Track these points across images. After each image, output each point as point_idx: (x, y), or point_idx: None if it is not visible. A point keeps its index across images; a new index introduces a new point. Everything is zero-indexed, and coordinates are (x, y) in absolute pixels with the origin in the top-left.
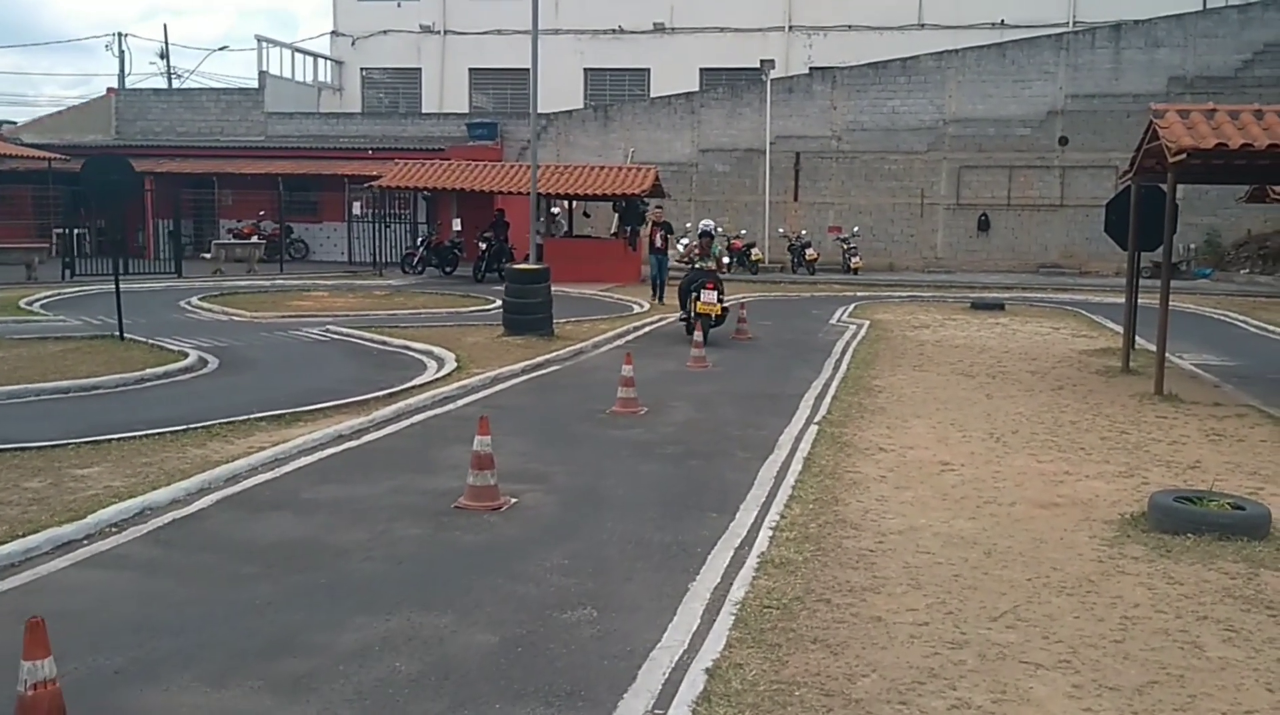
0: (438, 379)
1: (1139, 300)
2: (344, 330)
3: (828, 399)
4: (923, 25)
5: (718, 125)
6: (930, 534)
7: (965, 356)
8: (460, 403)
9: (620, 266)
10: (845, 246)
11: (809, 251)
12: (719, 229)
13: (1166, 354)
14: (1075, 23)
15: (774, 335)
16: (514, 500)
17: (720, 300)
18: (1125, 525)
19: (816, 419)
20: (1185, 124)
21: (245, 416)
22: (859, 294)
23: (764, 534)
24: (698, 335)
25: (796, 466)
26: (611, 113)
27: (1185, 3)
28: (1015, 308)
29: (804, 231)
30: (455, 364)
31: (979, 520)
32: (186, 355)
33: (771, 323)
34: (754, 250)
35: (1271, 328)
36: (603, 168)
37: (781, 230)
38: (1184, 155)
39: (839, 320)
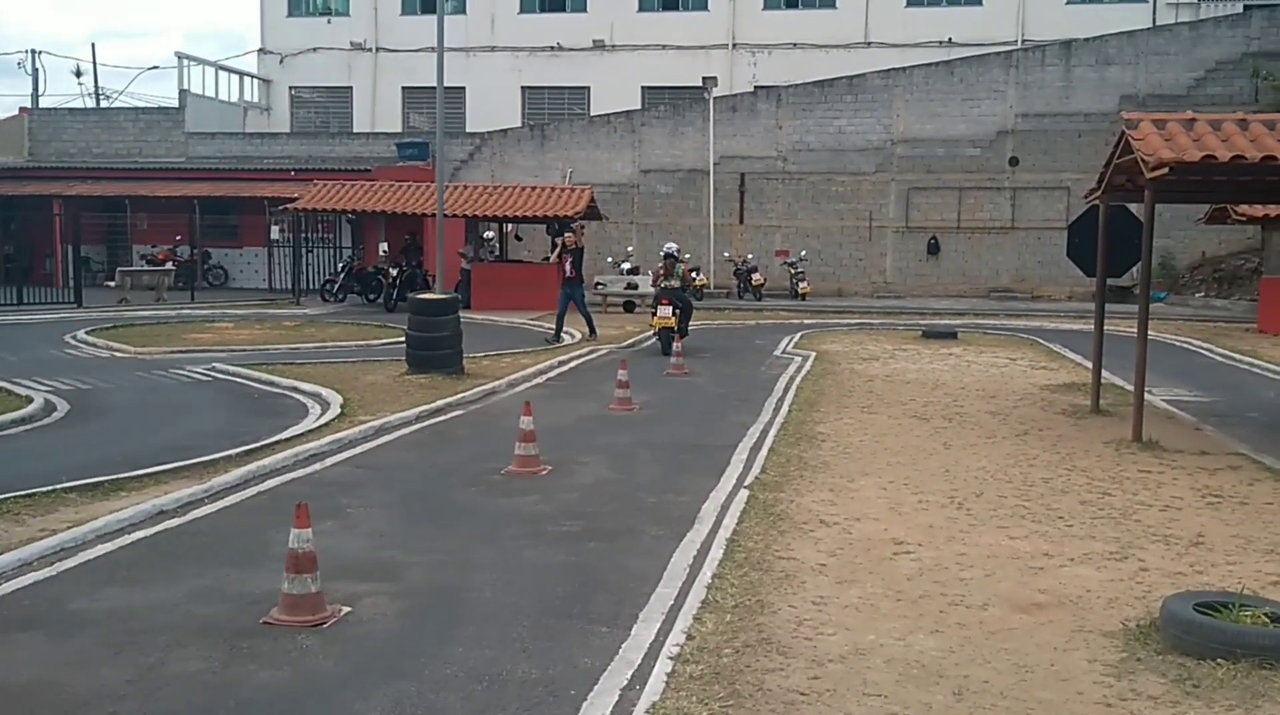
0: (311, 431)
1: (1077, 326)
2: (232, 368)
3: (764, 451)
4: (869, 44)
5: (659, 145)
6: (882, 660)
7: (918, 394)
8: (329, 462)
9: (554, 293)
10: (793, 271)
11: (755, 276)
12: (685, 254)
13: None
14: (1024, 41)
15: (712, 370)
16: (346, 610)
17: (675, 314)
18: (1132, 641)
19: (749, 480)
20: (1162, 135)
21: (54, 486)
22: (806, 322)
23: (662, 666)
24: (621, 373)
25: (718, 551)
26: (548, 132)
27: (1136, 20)
28: (969, 336)
29: (750, 255)
30: (339, 411)
31: (944, 634)
32: (30, 401)
33: (711, 355)
34: (698, 275)
35: (1238, 356)
36: (535, 188)
37: (727, 254)
38: (1165, 169)
39: (784, 352)
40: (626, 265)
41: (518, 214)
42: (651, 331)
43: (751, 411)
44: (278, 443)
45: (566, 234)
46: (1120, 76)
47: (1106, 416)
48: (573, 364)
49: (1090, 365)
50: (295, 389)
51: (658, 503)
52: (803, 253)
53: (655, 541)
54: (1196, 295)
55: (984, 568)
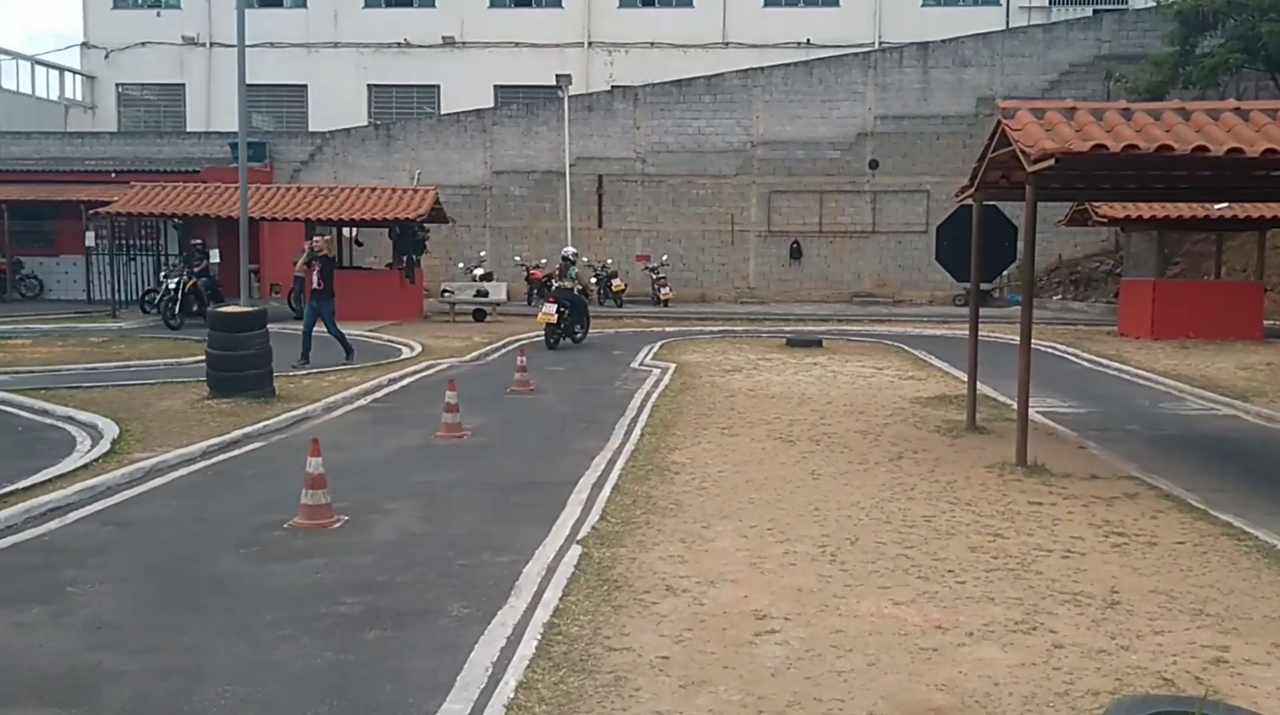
0: (63, 475)
1: (940, 331)
2: (2, 395)
3: (607, 489)
4: (727, 44)
5: (513, 145)
6: None
7: (783, 411)
8: (71, 518)
9: (398, 302)
10: (655, 276)
11: (616, 282)
12: (581, 257)
13: (1010, 401)
14: (881, 42)
15: (563, 386)
16: None
17: (561, 312)
18: None
19: (583, 532)
20: (1041, 125)
21: None
22: (668, 330)
23: None
24: (450, 395)
25: (530, 643)
26: (394, 131)
27: (990, 23)
28: (834, 343)
29: (610, 260)
30: (109, 447)
31: None
32: None
33: (563, 368)
34: (617, 281)
35: (1104, 361)
36: (376, 189)
37: (585, 259)
38: (1050, 161)
39: (642, 363)
40: (479, 271)
41: (357, 217)
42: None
43: (599, 436)
44: (11, 494)
45: (315, 238)
46: (977, 78)
47: (984, 434)
48: (405, 382)
49: (961, 374)
50: (71, 419)
51: (470, 566)
52: (664, 257)
53: (456, 627)
54: (1055, 298)
55: (866, 652)
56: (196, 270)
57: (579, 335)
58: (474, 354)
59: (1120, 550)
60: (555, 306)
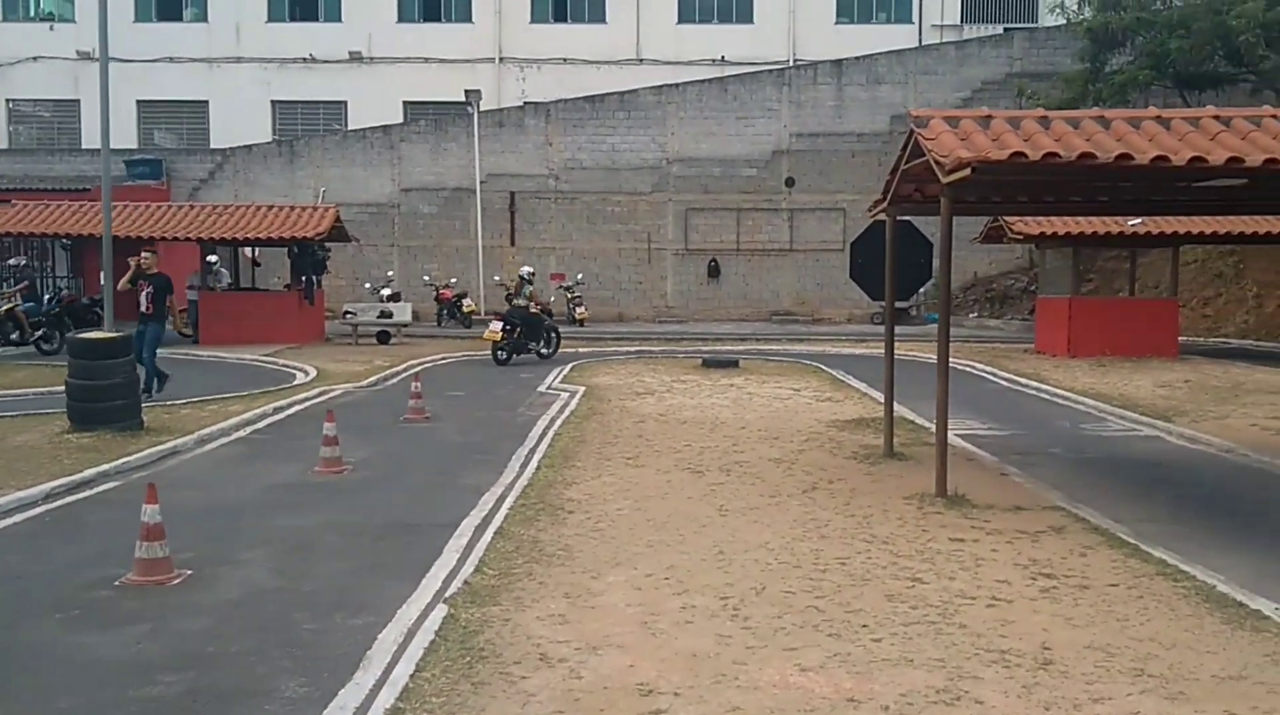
0: None
1: (858, 350)
2: None
3: (489, 533)
4: (641, 60)
5: (421, 162)
6: None
7: (694, 437)
8: None
9: (296, 324)
10: (570, 295)
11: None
12: (534, 275)
13: (929, 424)
14: (795, 60)
15: (462, 413)
16: None
17: (506, 330)
18: None
19: (452, 589)
20: (956, 134)
21: None
22: (581, 351)
23: None
24: (328, 427)
25: None
26: (299, 148)
27: (903, 40)
28: (751, 364)
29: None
30: None
31: None
32: None
33: (465, 392)
34: (466, 301)
35: (1023, 380)
36: (274, 207)
37: (498, 278)
38: (966, 171)
39: (550, 387)
40: (386, 291)
41: (253, 236)
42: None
43: (493, 469)
44: None
45: (143, 253)
46: (891, 96)
47: (902, 461)
48: (293, 410)
49: (879, 395)
50: None
51: (318, 632)
52: (579, 276)
53: (285, 714)
54: (970, 316)
55: None
56: (18, 290)
57: (545, 351)
58: (372, 379)
59: (1050, 596)
60: (501, 324)
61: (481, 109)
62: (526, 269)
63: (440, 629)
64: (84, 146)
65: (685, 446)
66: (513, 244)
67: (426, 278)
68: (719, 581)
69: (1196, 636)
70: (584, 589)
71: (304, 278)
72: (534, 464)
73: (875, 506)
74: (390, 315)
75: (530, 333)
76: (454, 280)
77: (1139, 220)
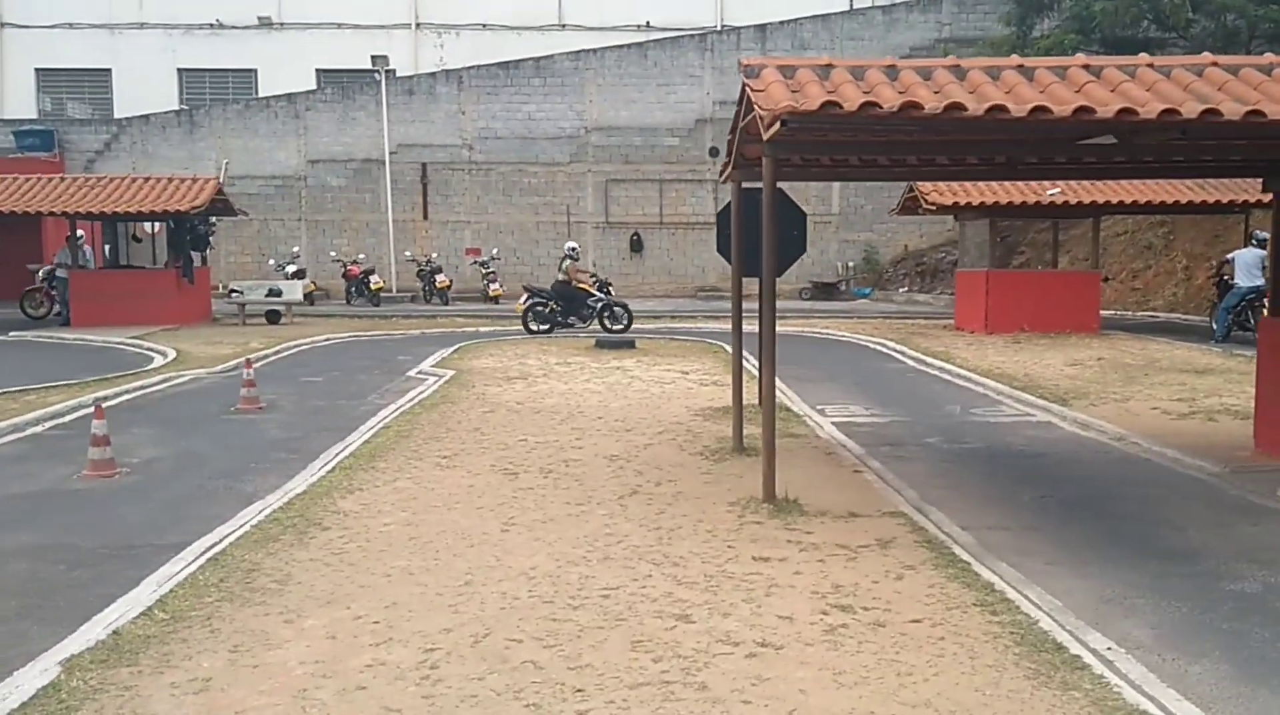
0: None
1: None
2: None
3: (203, 558)
4: (564, 26)
5: (329, 132)
6: None
7: (538, 430)
8: None
9: (175, 304)
10: (484, 271)
11: (440, 277)
12: (575, 250)
13: (806, 409)
14: (723, 25)
15: (305, 401)
16: None
17: (537, 302)
18: None
19: (98, 637)
20: (789, 84)
21: None
22: (482, 329)
23: None
24: (97, 425)
25: None
26: (199, 118)
27: (837, 4)
28: (652, 344)
29: (435, 254)
30: None
31: None
32: None
33: (324, 378)
34: (373, 278)
35: (929, 360)
36: (148, 180)
37: (409, 254)
38: (779, 125)
39: (421, 371)
40: (292, 267)
41: (126, 210)
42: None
43: (287, 471)
44: None
45: None
46: None
47: (752, 457)
48: (118, 401)
49: (779, 376)
50: None
51: None
52: (494, 251)
53: None
54: (900, 290)
55: None
56: None
57: (604, 324)
58: (234, 363)
59: (832, 638)
60: (526, 295)
61: (392, 76)
62: (569, 245)
63: (24, 705)
64: None
65: (520, 441)
66: (425, 217)
67: (334, 254)
68: (436, 626)
69: (987, 699)
70: (262, 639)
71: (181, 254)
72: (333, 464)
73: (690, 516)
74: (280, 293)
75: (569, 307)
76: (362, 256)
77: (1057, 189)
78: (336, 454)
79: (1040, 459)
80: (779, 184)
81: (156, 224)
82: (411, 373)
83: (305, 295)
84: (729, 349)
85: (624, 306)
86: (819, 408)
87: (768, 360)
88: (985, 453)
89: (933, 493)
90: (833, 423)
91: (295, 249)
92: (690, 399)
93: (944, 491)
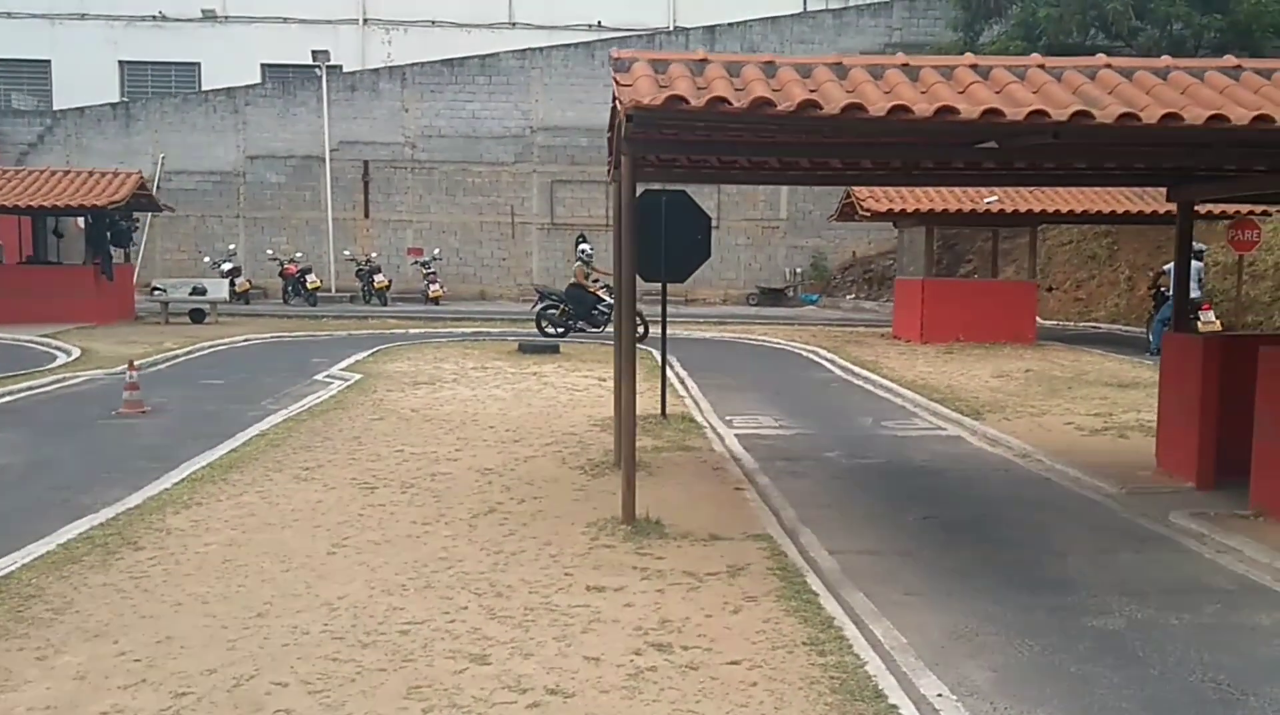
0: None
1: (717, 333)
2: None
3: None
4: (514, 24)
5: (268, 128)
6: None
7: (421, 440)
8: None
9: (94, 302)
10: (425, 271)
11: (379, 278)
12: (588, 252)
13: (714, 420)
14: (675, 27)
15: (195, 404)
16: None
17: (549, 305)
18: None
19: None
20: (659, 79)
21: None
22: (412, 331)
23: None
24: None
25: None
26: (135, 110)
27: (789, 7)
28: (579, 348)
29: (375, 254)
30: None
31: None
32: None
33: (225, 382)
34: (310, 277)
35: (857, 369)
36: (67, 173)
37: (348, 253)
38: (628, 121)
39: (329, 374)
40: (228, 265)
41: (40, 204)
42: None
43: (133, 483)
44: None
45: None
46: None
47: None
48: (1, 402)
49: (696, 386)
50: None
51: None
52: (436, 251)
53: None
54: (848, 297)
55: None
56: None
57: (583, 326)
58: (140, 363)
59: (632, 684)
60: (538, 297)
61: (336, 72)
62: (583, 246)
63: None
64: None
65: (396, 452)
66: (366, 216)
67: (269, 252)
68: (201, 666)
69: None
70: (2, 678)
71: (100, 251)
72: (186, 476)
73: (540, 538)
74: (204, 292)
75: (578, 311)
76: (300, 254)
77: (994, 198)
78: (199, 464)
79: (938, 476)
80: (684, 187)
81: (82, 219)
82: (319, 376)
83: (240, 294)
84: (656, 355)
85: (639, 314)
86: (728, 419)
87: (627, 375)
88: (884, 469)
89: (813, 512)
90: (736, 435)
91: (231, 247)
92: (596, 408)
93: (825, 511)
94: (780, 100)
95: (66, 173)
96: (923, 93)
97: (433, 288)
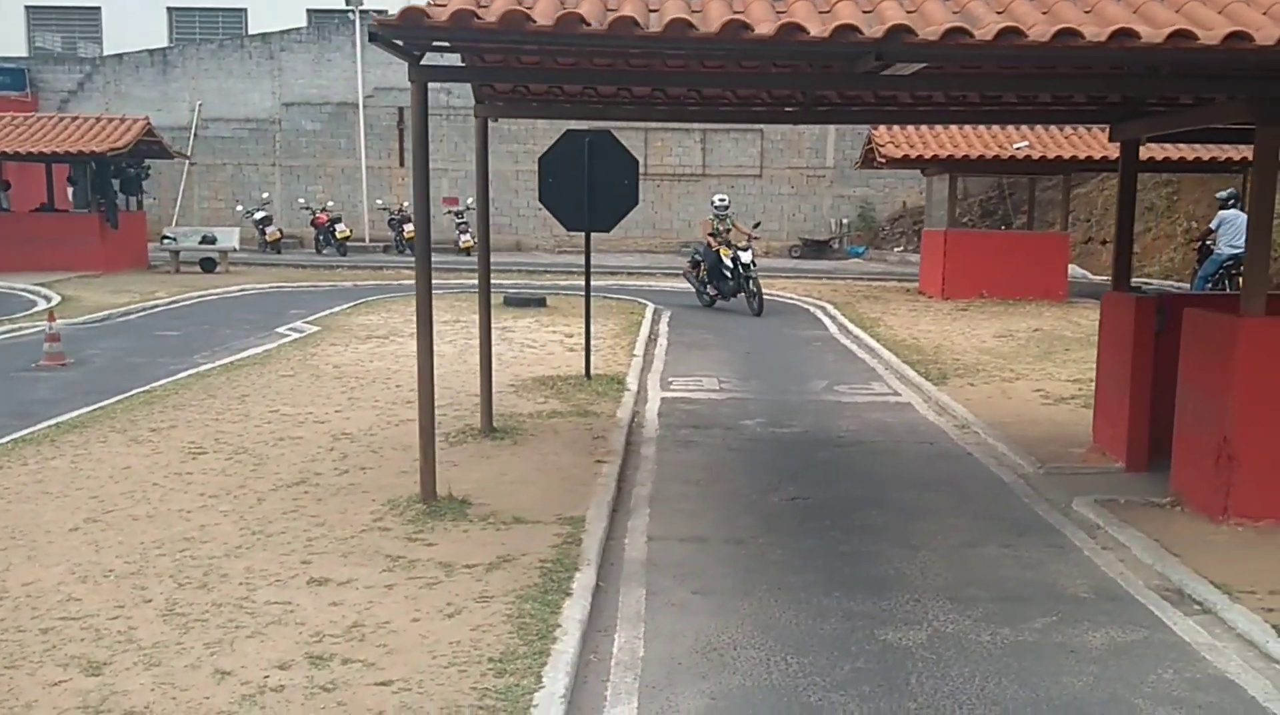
0: None
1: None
2: None
3: None
4: None
5: (304, 74)
6: None
7: (309, 400)
8: None
9: (100, 249)
10: (458, 220)
11: (408, 227)
12: (720, 202)
13: (653, 382)
14: None
15: (125, 358)
16: None
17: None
18: None
19: None
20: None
21: None
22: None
23: None
24: None
25: None
26: (172, 57)
27: None
28: (568, 301)
29: (407, 203)
30: None
31: None
32: None
33: (180, 333)
34: (340, 226)
35: (853, 328)
36: (75, 119)
37: (380, 202)
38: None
39: (294, 326)
40: (260, 214)
41: (43, 150)
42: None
43: None
44: None
45: None
46: None
47: (499, 441)
48: None
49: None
50: None
51: None
52: (469, 200)
53: None
54: (896, 249)
55: None
56: None
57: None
58: (105, 313)
59: (228, 711)
60: (690, 262)
61: (370, 16)
62: (717, 197)
63: None
64: None
65: (270, 413)
66: (401, 164)
67: (301, 200)
68: None
69: None
70: None
71: (105, 198)
72: (20, 436)
73: (321, 517)
74: (214, 241)
75: (709, 276)
76: (331, 203)
77: (1025, 144)
78: (54, 421)
79: (847, 449)
80: (608, 128)
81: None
82: (281, 328)
83: (271, 243)
84: (653, 307)
85: (753, 279)
86: (670, 381)
87: (423, 336)
88: (795, 439)
89: (672, 490)
90: (662, 398)
91: (265, 195)
92: (534, 366)
93: (687, 489)
94: (592, 17)
95: (74, 119)
96: (779, 12)
97: (463, 238)
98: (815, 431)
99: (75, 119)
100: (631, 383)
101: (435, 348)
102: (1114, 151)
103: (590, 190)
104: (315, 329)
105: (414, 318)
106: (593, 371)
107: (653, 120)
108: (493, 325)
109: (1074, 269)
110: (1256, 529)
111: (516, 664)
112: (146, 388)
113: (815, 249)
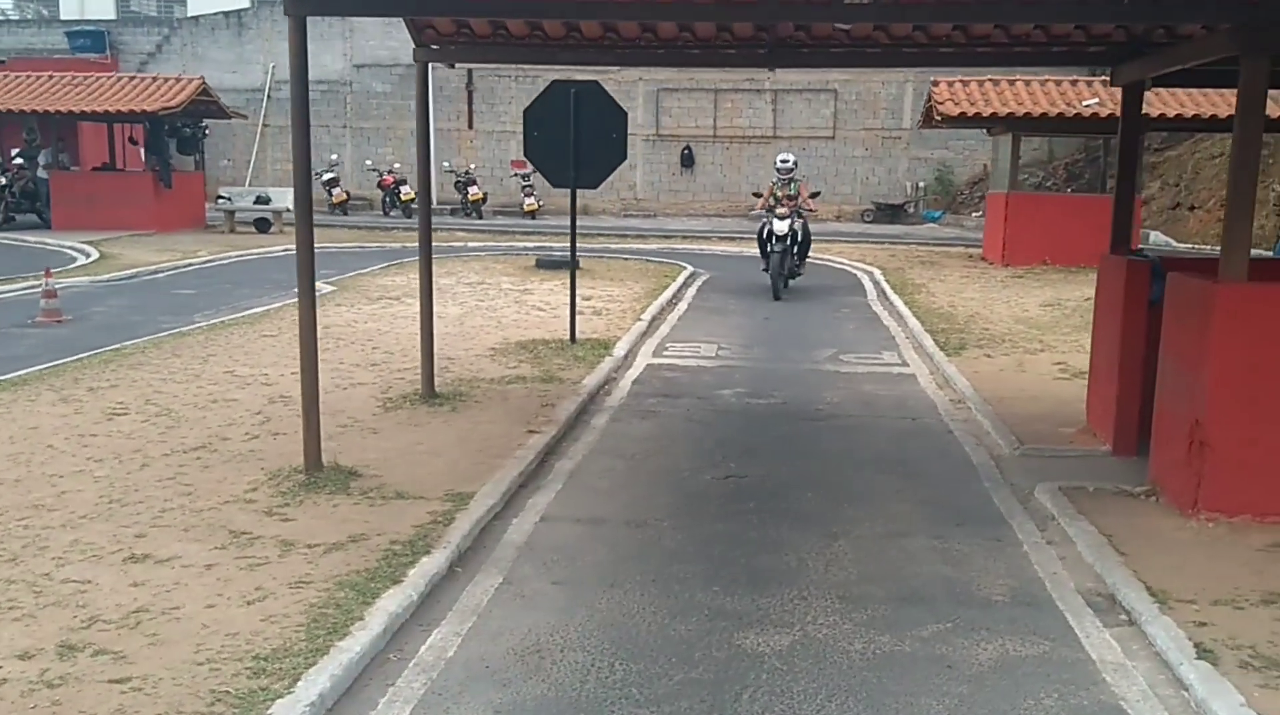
0: None
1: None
2: None
3: None
4: None
5: (375, 35)
6: None
7: (277, 359)
8: None
9: (154, 209)
10: (524, 183)
11: (473, 190)
12: (784, 162)
13: (648, 347)
14: None
15: (125, 316)
16: None
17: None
18: None
19: None
20: None
21: None
22: (470, 245)
23: None
24: None
25: None
26: (246, 19)
27: None
28: (605, 265)
29: (474, 166)
30: None
31: None
32: None
33: (197, 292)
34: (404, 188)
35: (891, 295)
36: (132, 78)
37: (447, 164)
38: None
39: (320, 284)
40: (328, 175)
41: (95, 109)
42: None
43: None
44: None
45: None
46: None
47: (437, 406)
48: None
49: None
50: None
51: None
52: None
53: None
54: (974, 214)
55: None
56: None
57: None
58: (133, 272)
59: None
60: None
61: None
62: (780, 157)
63: None
64: (64, 16)
65: (224, 373)
66: (470, 127)
67: (368, 162)
68: None
69: None
70: None
71: (159, 157)
72: None
73: (196, 485)
74: (268, 201)
75: (762, 245)
76: (398, 165)
77: (1095, 100)
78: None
79: (819, 423)
80: (597, 80)
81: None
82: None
83: (337, 204)
84: (695, 272)
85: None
86: (667, 346)
87: (305, 293)
88: (767, 411)
89: (599, 465)
90: (648, 365)
91: (334, 157)
92: (530, 330)
93: (617, 463)
94: None
95: (131, 78)
96: None
97: (527, 202)
98: (793, 403)
99: (133, 78)
100: (621, 349)
101: (439, 308)
102: (1196, 108)
103: (576, 144)
104: (330, 289)
105: (445, 279)
106: (590, 336)
107: (608, 64)
108: (519, 286)
109: (1156, 235)
110: (1229, 525)
111: (281, 664)
112: (116, 346)
113: (889, 213)
